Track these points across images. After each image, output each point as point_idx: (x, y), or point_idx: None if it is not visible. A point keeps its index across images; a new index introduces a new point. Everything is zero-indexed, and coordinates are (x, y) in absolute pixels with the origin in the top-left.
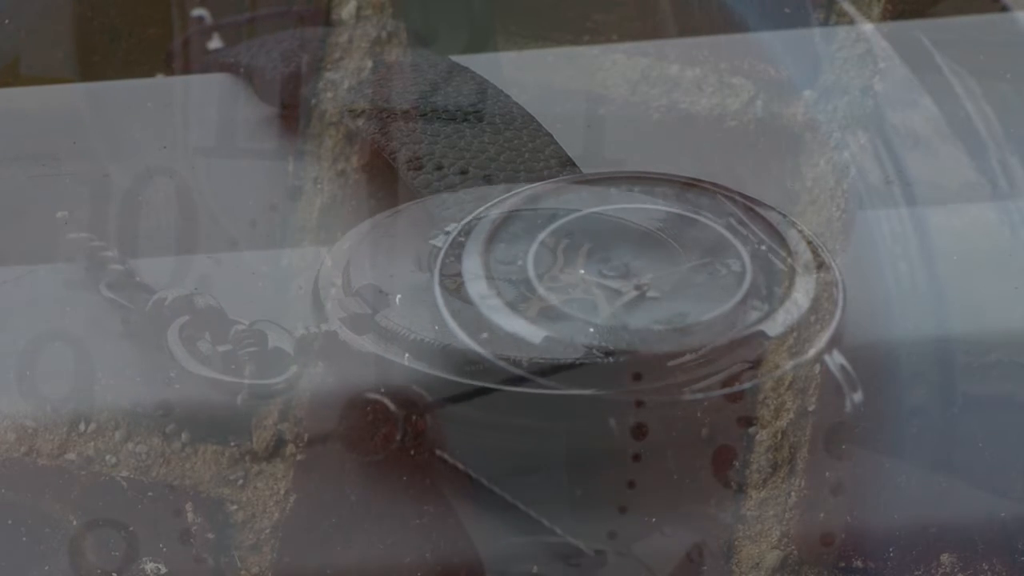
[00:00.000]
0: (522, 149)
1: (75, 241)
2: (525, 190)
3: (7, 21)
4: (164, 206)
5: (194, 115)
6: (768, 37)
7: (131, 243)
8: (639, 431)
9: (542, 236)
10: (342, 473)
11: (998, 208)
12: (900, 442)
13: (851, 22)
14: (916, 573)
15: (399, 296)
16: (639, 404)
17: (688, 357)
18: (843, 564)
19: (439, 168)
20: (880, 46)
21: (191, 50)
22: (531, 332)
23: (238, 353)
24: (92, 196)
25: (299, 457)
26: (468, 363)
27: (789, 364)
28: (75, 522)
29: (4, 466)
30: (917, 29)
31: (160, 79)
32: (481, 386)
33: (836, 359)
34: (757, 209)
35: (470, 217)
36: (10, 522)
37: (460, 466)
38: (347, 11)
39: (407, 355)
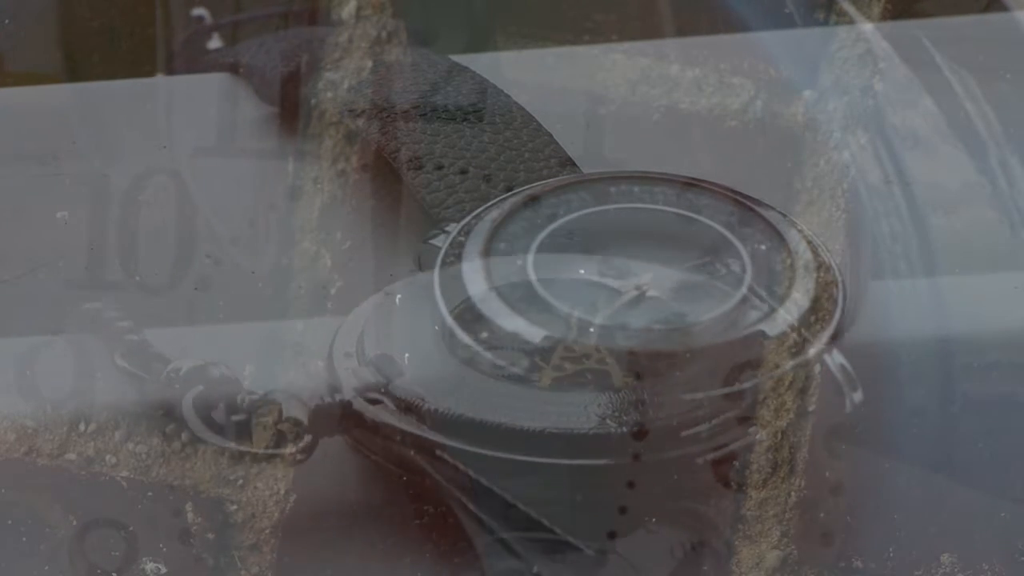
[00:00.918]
0: (522, 149)
1: (89, 312)
2: (525, 190)
3: (7, 21)
4: (164, 206)
5: (194, 115)
6: (768, 37)
7: (131, 243)
8: (639, 431)
9: (542, 236)
10: (342, 473)
11: (998, 208)
12: (900, 442)
13: (851, 22)
14: (916, 573)
15: (407, 355)
16: (639, 404)
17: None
18: (843, 564)
19: (439, 168)
20: (880, 46)
21: (191, 50)
22: (531, 332)
23: (252, 423)
24: (92, 196)
25: (299, 457)
26: (483, 432)
27: (789, 364)
28: (75, 522)
29: (4, 466)
30: (917, 29)
31: (160, 79)
32: (499, 456)
33: (836, 359)
34: (757, 209)
35: (470, 217)
36: (10, 522)
37: (460, 466)
38: (347, 11)
39: (423, 424)
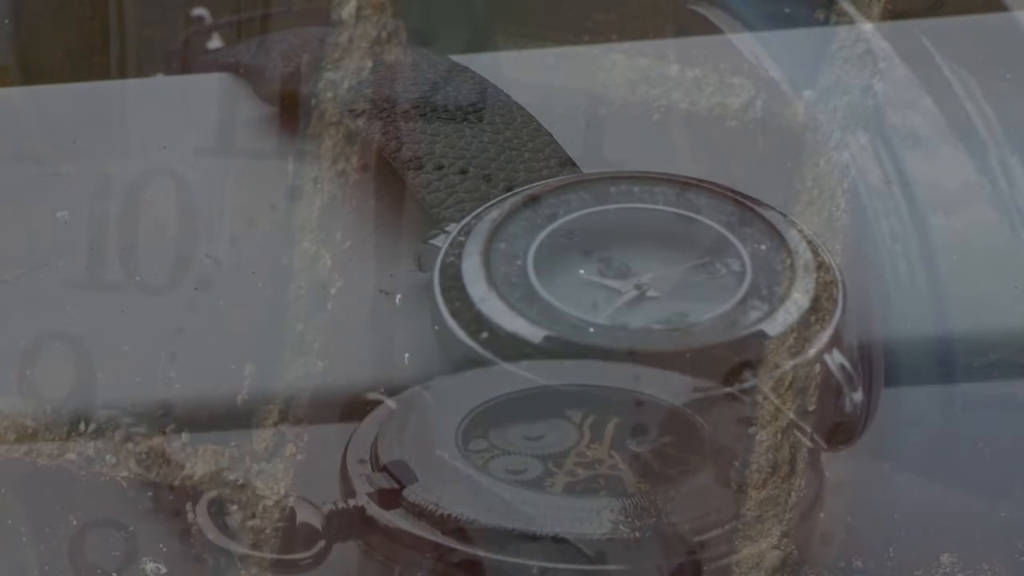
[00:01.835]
0: (522, 149)
1: (107, 416)
2: (525, 190)
3: (7, 21)
4: (164, 206)
5: (194, 115)
6: (768, 37)
7: (131, 243)
8: (640, 431)
9: (542, 236)
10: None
11: (998, 208)
12: (900, 442)
13: (851, 22)
14: (916, 573)
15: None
16: (639, 404)
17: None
18: (843, 564)
19: (439, 168)
20: (880, 46)
21: (191, 50)
22: (531, 332)
23: (266, 528)
24: (92, 196)
25: (299, 457)
26: (500, 541)
27: (789, 364)
28: (75, 522)
29: (4, 466)
30: (917, 29)
31: (160, 79)
32: (514, 562)
33: (836, 359)
34: (757, 209)
35: (470, 217)
36: (10, 522)
37: (460, 466)
38: (347, 11)
39: (437, 533)
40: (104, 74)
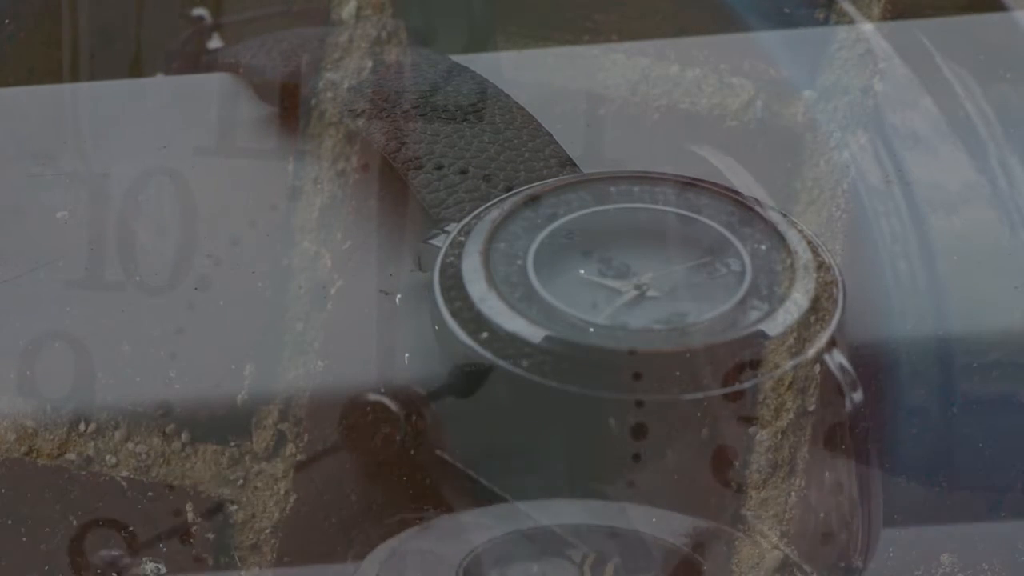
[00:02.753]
0: (522, 149)
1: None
2: (525, 190)
3: (7, 21)
4: (164, 206)
5: (194, 115)
6: (768, 37)
7: (131, 243)
8: (639, 431)
9: (542, 236)
10: (342, 473)
11: (998, 208)
12: (900, 442)
13: (851, 22)
14: (916, 573)
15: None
16: (639, 404)
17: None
18: (843, 564)
19: (439, 168)
20: (880, 46)
21: (191, 50)
22: (531, 332)
23: None
24: (92, 196)
25: (299, 457)
26: None
27: (789, 364)
28: (75, 522)
29: (4, 466)
30: (917, 29)
31: (160, 79)
32: None
33: (836, 359)
34: (757, 209)
35: (470, 217)
36: (10, 522)
37: (460, 466)
38: (347, 11)
39: None
40: (104, 74)
